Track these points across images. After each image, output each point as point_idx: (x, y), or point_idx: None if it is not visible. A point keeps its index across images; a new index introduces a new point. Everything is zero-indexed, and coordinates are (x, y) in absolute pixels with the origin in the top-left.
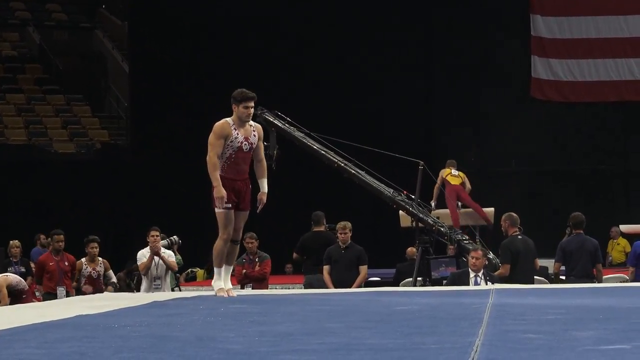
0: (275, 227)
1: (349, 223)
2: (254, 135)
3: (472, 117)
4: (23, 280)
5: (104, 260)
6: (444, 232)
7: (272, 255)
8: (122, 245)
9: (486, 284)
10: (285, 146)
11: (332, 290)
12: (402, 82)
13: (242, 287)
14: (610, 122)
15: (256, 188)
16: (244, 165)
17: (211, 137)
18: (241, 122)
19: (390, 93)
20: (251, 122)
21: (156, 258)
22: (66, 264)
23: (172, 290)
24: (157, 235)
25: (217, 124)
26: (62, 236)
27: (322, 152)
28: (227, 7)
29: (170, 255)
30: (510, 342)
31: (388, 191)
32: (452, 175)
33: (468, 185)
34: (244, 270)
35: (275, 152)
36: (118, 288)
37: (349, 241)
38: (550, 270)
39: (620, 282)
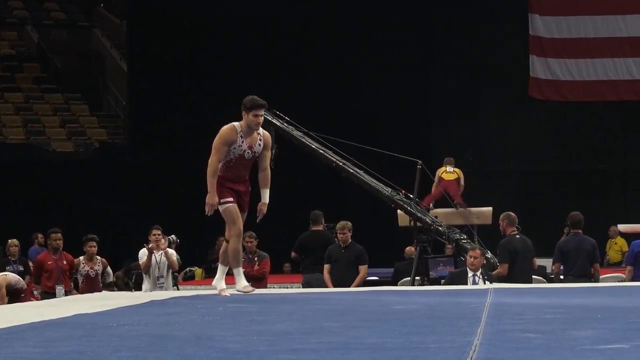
0: (274, 227)
1: (349, 223)
2: (259, 145)
3: (471, 116)
4: (22, 280)
5: (102, 259)
6: (442, 232)
7: (271, 255)
8: (121, 244)
9: (484, 284)
10: (284, 145)
11: (331, 289)
12: (401, 82)
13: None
14: (608, 121)
15: (256, 195)
16: (243, 171)
17: (216, 142)
18: (249, 130)
19: (389, 92)
20: (260, 131)
21: (158, 256)
22: (64, 263)
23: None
24: (159, 234)
25: (225, 128)
26: (59, 234)
27: (321, 151)
28: (226, 6)
29: (172, 254)
30: (508, 341)
31: (386, 190)
32: (447, 172)
33: (462, 182)
34: (243, 269)
35: (273, 151)
36: (114, 288)
37: (349, 241)
38: (549, 270)
39: (618, 281)
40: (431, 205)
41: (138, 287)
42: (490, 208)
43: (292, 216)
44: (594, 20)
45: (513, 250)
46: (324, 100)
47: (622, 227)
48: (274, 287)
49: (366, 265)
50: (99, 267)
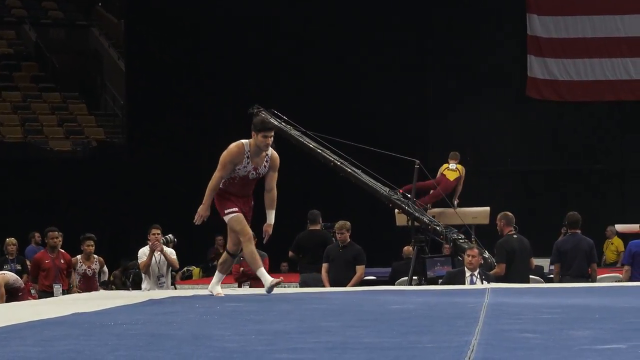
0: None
1: (348, 223)
2: (265, 167)
3: (469, 116)
4: (19, 279)
5: (99, 257)
6: (439, 231)
7: (269, 254)
8: (118, 243)
9: (482, 283)
10: (281, 145)
11: (328, 289)
12: (400, 82)
13: (240, 285)
14: (606, 121)
15: (262, 216)
16: (246, 189)
17: (223, 159)
18: (258, 150)
19: (388, 92)
20: (268, 151)
21: (157, 256)
22: (62, 261)
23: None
24: (158, 234)
25: (233, 146)
26: (56, 233)
27: (319, 150)
28: (225, 6)
29: (171, 253)
30: (506, 341)
31: (384, 190)
32: (450, 169)
33: (460, 182)
34: (242, 268)
35: None
36: (111, 287)
37: (348, 240)
38: (546, 270)
39: (615, 281)
40: (429, 205)
41: (135, 286)
42: (488, 208)
43: (289, 216)
44: (592, 20)
45: (510, 250)
46: (323, 99)
47: (619, 227)
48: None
49: (363, 265)
50: (96, 266)
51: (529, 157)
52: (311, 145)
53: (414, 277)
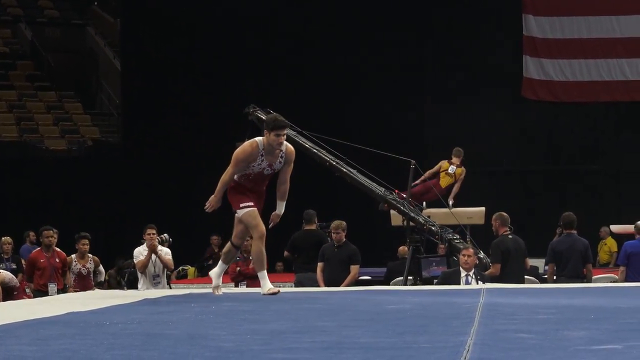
0: (267, 226)
1: (344, 223)
2: (280, 162)
3: (465, 116)
4: (15, 278)
5: (94, 257)
6: (435, 231)
7: None
8: (113, 242)
9: (477, 284)
10: None
11: (324, 288)
12: (396, 81)
13: (236, 285)
14: (602, 122)
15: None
16: (261, 184)
17: (236, 156)
18: (271, 148)
19: (384, 92)
20: (282, 147)
21: (153, 256)
22: (57, 260)
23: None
24: (154, 233)
25: (247, 145)
26: (50, 232)
27: (314, 150)
28: (221, 5)
29: (167, 253)
30: (502, 341)
31: (379, 190)
32: (448, 173)
33: (458, 184)
34: (238, 268)
35: None
36: (105, 287)
37: (343, 240)
38: (541, 270)
39: (611, 282)
40: (424, 204)
41: (130, 286)
42: (483, 208)
43: (285, 215)
44: (587, 20)
45: (505, 251)
46: (319, 99)
47: (614, 227)
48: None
49: (358, 265)
50: (90, 265)
51: (525, 158)
52: (307, 145)
53: (409, 277)
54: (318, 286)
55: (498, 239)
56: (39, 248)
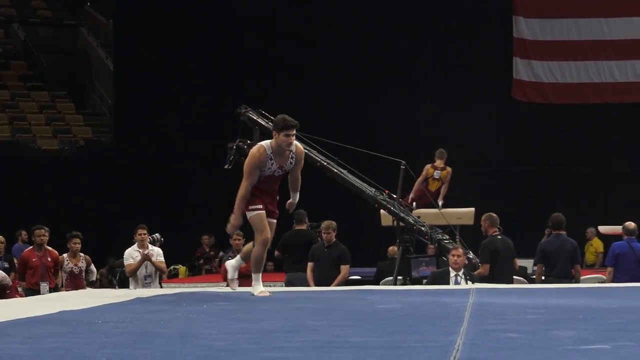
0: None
1: (334, 223)
2: (291, 163)
3: (455, 116)
4: (7, 276)
5: (86, 256)
6: (424, 232)
7: None
8: (105, 241)
9: (466, 284)
10: None
11: (314, 288)
12: (386, 83)
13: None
14: (591, 124)
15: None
16: (273, 185)
17: (247, 166)
18: (280, 149)
19: (374, 93)
20: (292, 148)
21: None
22: (49, 259)
23: None
24: (145, 234)
25: (254, 151)
26: (42, 230)
27: (305, 151)
28: (214, 6)
29: (159, 254)
30: (491, 341)
31: (370, 190)
32: (434, 178)
33: (445, 188)
34: None
35: None
36: (97, 286)
37: (333, 240)
38: (530, 270)
39: (599, 282)
40: (414, 205)
41: (122, 285)
42: (473, 209)
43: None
44: (577, 23)
45: (494, 251)
46: (312, 100)
47: (602, 228)
48: None
49: (348, 265)
50: (82, 264)
51: (514, 159)
52: None
53: (399, 277)
54: (308, 286)
55: (487, 240)
56: (31, 247)
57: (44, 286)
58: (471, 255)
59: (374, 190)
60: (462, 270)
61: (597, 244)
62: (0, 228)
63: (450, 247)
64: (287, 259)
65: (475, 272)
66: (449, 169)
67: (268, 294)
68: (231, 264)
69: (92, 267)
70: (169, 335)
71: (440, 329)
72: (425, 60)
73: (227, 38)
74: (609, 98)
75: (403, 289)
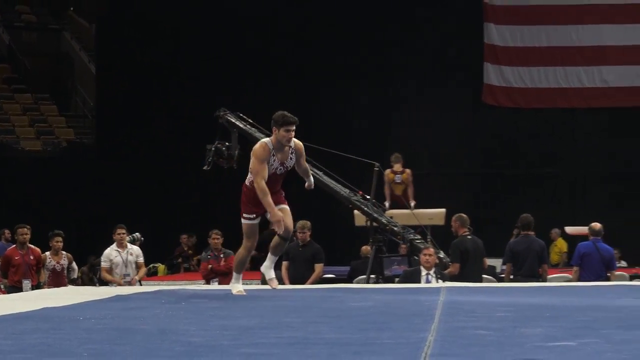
0: (236, 225)
1: (308, 222)
2: (292, 159)
3: (427, 119)
4: None
5: (68, 254)
6: (397, 232)
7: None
8: (86, 240)
9: (437, 282)
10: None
11: (289, 286)
12: (359, 85)
13: (208, 282)
14: (559, 128)
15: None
16: (276, 185)
17: (254, 164)
18: (280, 145)
19: (348, 95)
20: (291, 144)
21: (124, 255)
22: (31, 257)
23: None
24: (123, 233)
25: (258, 148)
26: (25, 229)
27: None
28: (193, 10)
29: (138, 255)
30: (461, 338)
31: (344, 191)
32: (396, 182)
33: (411, 189)
34: (210, 266)
35: (236, 152)
36: (78, 283)
37: (308, 239)
38: (498, 269)
39: (565, 281)
40: (387, 205)
41: (103, 283)
42: (444, 209)
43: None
44: (547, 30)
45: (464, 250)
46: (296, 103)
47: (569, 229)
48: None
49: (322, 264)
50: (64, 262)
51: (485, 161)
52: None
53: (372, 276)
54: (283, 284)
55: (457, 240)
56: (14, 245)
57: (27, 283)
58: (442, 254)
59: (348, 191)
60: (433, 269)
61: (561, 245)
62: None
63: (422, 246)
64: (263, 257)
65: (446, 271)
66: (408, 170)
67: (244, 293)
68: (266, 265)
69: (74, 265)
70: (148, 331)
71: (412, 326)
72: (400, 64)
73: (215, 39)
74: (577, 103)
75: (376, 288)
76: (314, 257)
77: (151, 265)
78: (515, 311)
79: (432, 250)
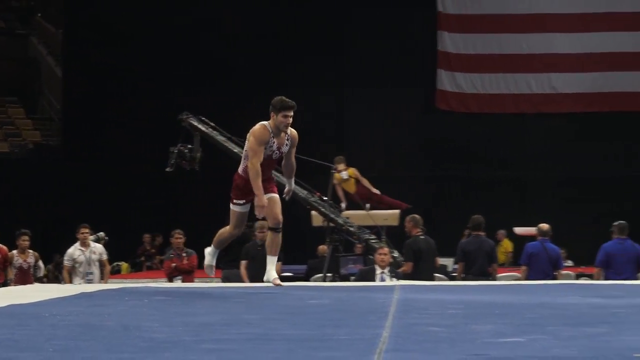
0: (199, 225)
1: (267, 222)
2: (287, 145)
3: (382, 123)
4: None
5: (35, 252)
6: (353, 232)
7: (197, 251)
8: (52, 239)
9: (391, 280)
10: (210, 150)
11: (249, 284)
12: (317, 88)
13: (171, 280)
14: (509, 131)
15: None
16: (268, 170)
17: (253, 144)
18: (278, 131)
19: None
20: (287, 130)
21: (87, 253)
22: None
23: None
24: (86, 232)
25: (257, 129)
26: None
27: (235, 151)
28: (160, 12)
29: (102, 253)
30: (415, 334)
31: (302, 193)
32: (344, 179)
33: (365, 181)
34: (173, 264)
35: (198, 154)
36: (45, 281)
37: None
38: (450, 268)
39: (513, 280)
40: (342, 206)
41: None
42: (398, 211)
43: (214, 216)
44: (499, 38)
45: (417, 250)
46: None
47: (518, 230)
48: (194, 282)
49: (280, 263)
50: (31, 260)
51: (437, 164)
52: (235, 150)
53: (328, 274)
54: (243, 282)
55: (411, 240)
56: None
57: None
58: (396, 254)
59: (306, 192)
60: (387, 268)
61: (506, 245)
62: None
63: (377, 246)
64: (224, 256)
65: (400, 270)
66: (352, 168)
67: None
68: (267, 269)
69: (40, 263)
70: (112, 327)
71: (368, 323)
72: (355, 69)
73: (173, 44)
74: (527, 108)
75: (332, 285)
76: None
77: (115, 264)
78: (467, 308)
79: (386, 249)
